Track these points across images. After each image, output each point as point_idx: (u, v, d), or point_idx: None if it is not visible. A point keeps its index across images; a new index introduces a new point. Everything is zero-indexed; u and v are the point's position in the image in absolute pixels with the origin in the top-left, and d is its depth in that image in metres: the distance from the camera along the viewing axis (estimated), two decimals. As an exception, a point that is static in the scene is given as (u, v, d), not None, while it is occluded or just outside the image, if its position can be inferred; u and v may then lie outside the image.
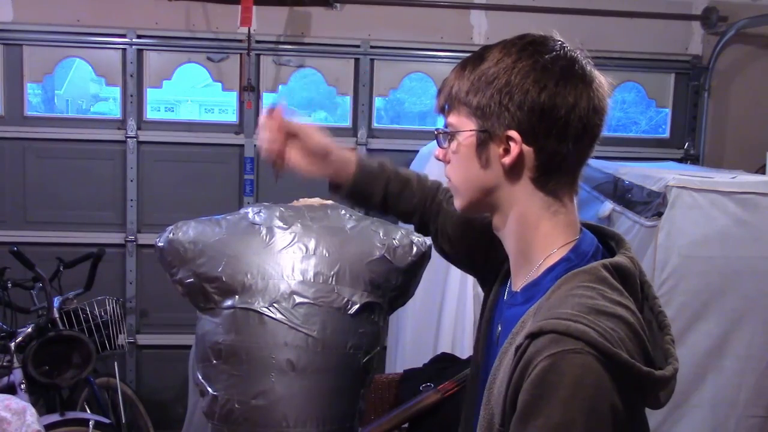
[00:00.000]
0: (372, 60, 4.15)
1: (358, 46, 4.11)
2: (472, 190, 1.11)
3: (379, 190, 1.40)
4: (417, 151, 3.97)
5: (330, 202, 1.28)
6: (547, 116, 1.02)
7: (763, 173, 3.86)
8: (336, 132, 4.28)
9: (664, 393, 0.98)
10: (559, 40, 1.08)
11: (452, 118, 1.12)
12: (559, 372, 0.90)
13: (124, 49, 3.99)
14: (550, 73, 1.03)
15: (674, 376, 0.99)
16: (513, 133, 1.03)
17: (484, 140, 1.07)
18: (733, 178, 3.48)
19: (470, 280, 3.40)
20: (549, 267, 1.07)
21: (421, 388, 2.68)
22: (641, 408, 0.99)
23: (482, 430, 1.04)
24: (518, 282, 1.12)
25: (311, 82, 6.07)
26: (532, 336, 0.94)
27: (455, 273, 3.38)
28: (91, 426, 2.99)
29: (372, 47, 4.12)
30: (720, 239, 3.22)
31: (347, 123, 4.27)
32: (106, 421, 3.16)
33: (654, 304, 1.09)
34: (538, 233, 1.08)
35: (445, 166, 1.16)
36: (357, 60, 4.15)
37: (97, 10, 3.91)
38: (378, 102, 4.37)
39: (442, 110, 1.15)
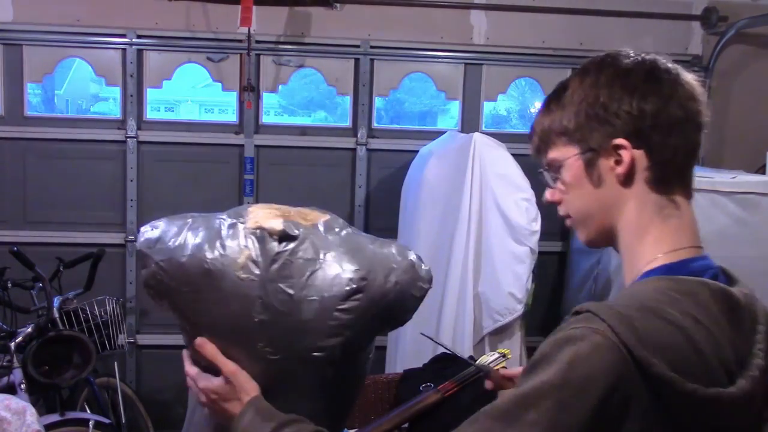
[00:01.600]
0: (372, 60, 4.15)
1: (358, 46, 4.11)
2: (594, 215, 1.10)
3: None
4: (417, 151, 3.97)
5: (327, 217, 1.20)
6: (646, 114, 1.03)
7: (763, 173, 3.87)
8: (336, 132, 4.31)
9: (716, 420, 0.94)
10: (633, 50, 1.10)
11: (553, 154, 1.11)
12: (573, 341, 0.92)
13: (124, 49, 3.99)
14: (634, 75, 1.05)
15: (728, 401, 0.94)
16: (620, 141, 1.03)
17: (591, 159, 1.07)
18: (733, 178, 3.49)
19: (470, 280, 3.40)
20: (649, 269, 1.05)
21: (421, 388, 2.67)
22: (655, 426, 0.94)
23: None
24: None
25: (311, 82, 6.08)
26: (575, 313, 0.97)
27: (455, 273, 3.39)
28: (91, 426, 2.99)
29: (372, 47, 4.12)
30: (720, 239, 3.22)
31: (347, 123, 4.27)
32: (106, 421, 3.16)
33: (755, 348, 1.02)
34: (646, 238, 1.06)
35: (560, 207, 1.15)
36: (357, 60, 4.15)
37: (97, 10, 3.91)
38: (378, 102, 4.37)
39: (539, 152, 1.15)
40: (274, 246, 1.19)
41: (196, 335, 1.24)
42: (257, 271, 1.18)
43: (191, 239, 1.22)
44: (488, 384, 1.46)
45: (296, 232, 1.20)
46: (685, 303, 0.96)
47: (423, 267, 1.30)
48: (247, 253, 1.19)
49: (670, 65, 1.08)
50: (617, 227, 1.08)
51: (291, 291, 1.17)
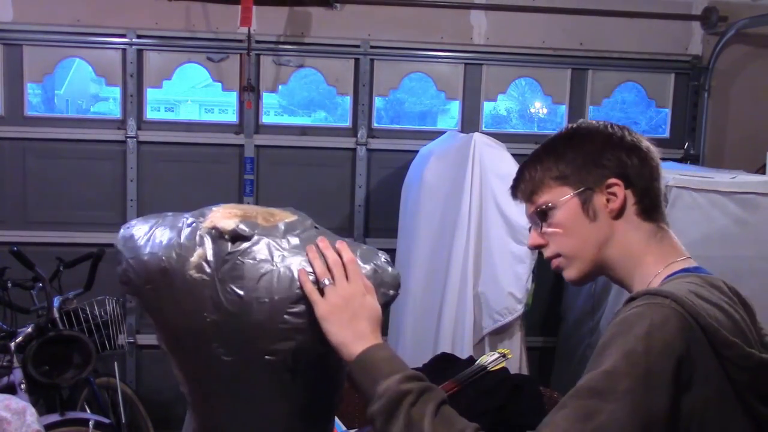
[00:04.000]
0: (372, 60, 4.15)
1: (358, 46, 4.11)
2: (589, 250, 1.23)
3: None
4: (417, 152, 3.97)
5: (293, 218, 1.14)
6: (633, 162, 1.21)
7: (763, 173, 3.86)
8: (336, 132, 4.31)
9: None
10: (602, 121, 1.29)
11: (544, 197, 1.24)
12: (643, 316, 1.02)
13: (124, 49, 3.99)
14: (617, 138, 1.23)
15: None
16: (614, 180, 1.20)
17: (587, 198, 1.22)
18: (733, 178, 3.48)
19: (470, 280, 3.40)
20: (669, 274, 1.18)
21: (421, 388, 2.67)
22: (718, 388, 1.04)
23: None
24: None
25: (311, 82, 6.08)
26: (629, 300, 1.09)
27: (455, 273, 3.38)
28: (91, 426, 2.99)
29: (372, 47, 4.12)
30: (720, 239, 3.22)
31: (347, 123, 4.27)
32: (106, 421, 3.16)
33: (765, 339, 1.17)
34: (647, 259, 1.21)
35: (547, 248, 1.26)
36: (357, 60, 4.15)
37: (97, 10, 3.91)
38: (378, 102, 4.37)
39: (528, 198, 1.27)
40: (227, 246, 1.17)
41: (160, 333, 1.28)
42: (209, 271, 1.17)
43: (156, 237, 1.23)
44: None
45: (248, 232, 1.18)
46: (715, 292, 1.11)
47: (389, 271, 1.24)
48: (200, 252, 1.18)
49: (635, 134, 1.26)
50: (612, 258, 1.22)
51: (241, 292, 1.15)
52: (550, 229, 1.24)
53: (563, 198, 1.22)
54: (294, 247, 1.19)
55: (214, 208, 1.26)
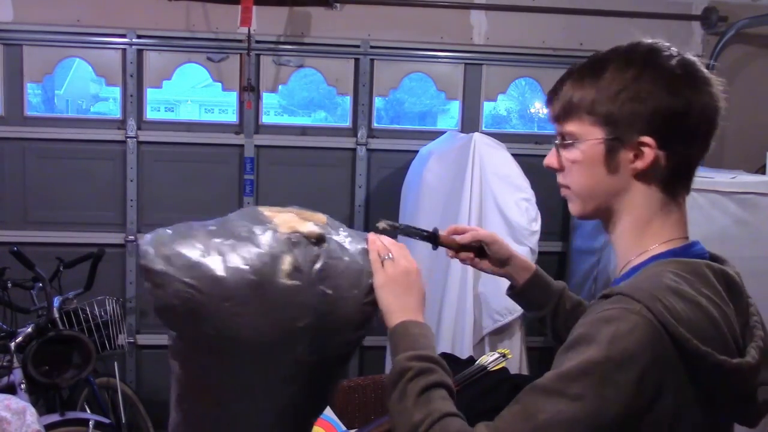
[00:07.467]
0: (372, 60, 4.15)
1: (358, 46, 4.11)
2: (598, 196, 1.16)
3: (552, 301, 1.50)
4: (417, 152, 3.97)
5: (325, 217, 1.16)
6: (680, 121, 1.08)
7: (763, 173, 3.87)
8: (336, 132, 4.31)
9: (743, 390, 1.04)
10: (670, 45, 1.13)
11: (572, 127, 1.15)
12: (611, 321, 0.98)
13: (124, 50, 3.99)
14: (679, 79, 1.08)
15: (747, 369, 1.03)
16: (647, 139, 1.09)
17: (613, 147, 1.11)
18: (733, 178, 3.49)
19: (470, 280, 3.40)
20: (654, 255, 1.12)
21: (421, 388, 2.67)
22: (687, 397, 1.01)
23: None
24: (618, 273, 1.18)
25: (311, 82, 6.08)
26: (603, 297, 1.04)
27: (455, 273, 3.39)
28: (91, 426, 2.99)
29: (372, 47, 4.12)
30: (720, 239, 3.22)
31: (347, 123, 4.27)
32: (106, 421, 3.16)
33: (752, 320, 1.13)
34: (648, 229, 1.13)
35: (559, 174, 1.19)
36: (357, 60, 4.15)
37: (97, 10, 3.91)
38: (378, 102, 4.37)
39: (556, 119, 1.18)
40: (312, 249, 1.20)
41: (225, 351, 1.19)
42: (301, 276, 1.18)
43: (225, 251, 1.16)
44: (449, 253, 1.52)
45: (326, 232, 1.23)
46: (697, 283, 1.05)
47: None
48: (290, 260, 1.18)
49: (706, 73, 1.12)
50: (618, 212, 1.15)
51: (330, 291, 1.20)
52: (566, 161, 1.17)
53: (589, 140, 1.12)
54: (350, 241, 1.26)
55: (268, 213, 1.25)
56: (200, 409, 1.26)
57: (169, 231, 1.20)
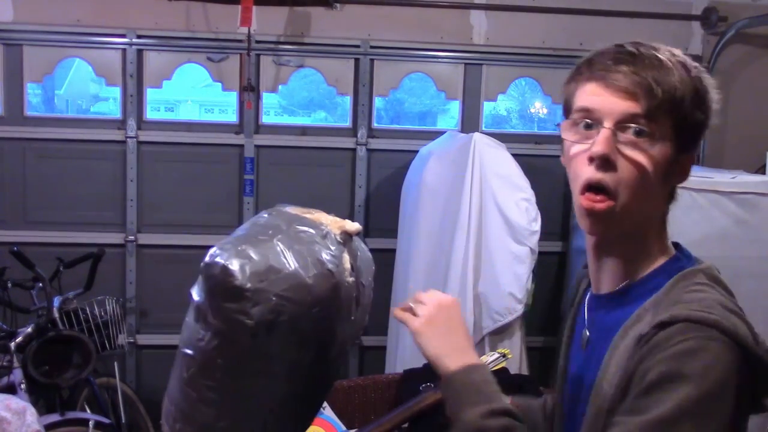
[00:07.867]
0: (372, 60, 4.15)
1: (358, 46, 4.11)
2: (641, 211, 1.06)
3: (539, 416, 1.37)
4: (417, 152, 3.97)
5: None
6: (702, 136, 1.09)
7: (763, 173, 3.87)
8: (336, 132, 4.31)
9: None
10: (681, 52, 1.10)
11: (652, 122, 1.02)
12: (698, 353, 0.94)
13: (124, 50, 3.99)
14: (712, 89, 1.07)
15: None
16: (690, 156, 1.09)
17: (677, 159, 1.06)
18: (733, 178, 3.49)
19: (470, 280, 3.40)
20: (659, 267, 1.09)
21: (421, 388, 2.68)
22: (749, 406, 1.02)
23: (589, 421, 1.06)
24: (608, 286, 1.12)
25: (311, 82, 6.08)
26: (662, 325, 0.98)
27: (455, 273, 3.39)
28: (91, 426, 2.99)
29: (372, 47, 4.12)
30: (720, 239, 3.22)
31: (347, 123, 4.27)
32: (106, 421, 3.16)
33: None
34: (657, 242, 1.11)
35: (606, 175, 1.03)
36: (357, 60, 4.15)
37: (97, 10, 3.91)
38: (378, 102, 4.37)
39: (632, 96, 1.01)
40: (352, 244, 1.26)
41: (311, 362, 1.19)
42: (354, 273, 1.23)
43: (300, 258, 1.16)
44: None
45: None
46: (722, 291, 1.05)
47: (368, 254, 1.39)
48: (347, 258, 1.21)
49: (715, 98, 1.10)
50: (639, 224, 1.08)
51: (364, 283, 1.27)
52: (623, 157, 1.02)
53: (663, 141, 1.02)
54: (357, 234, 1.31)
55: (311, 216, 1.26)
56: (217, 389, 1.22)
57: (239, 247, 1.15)
